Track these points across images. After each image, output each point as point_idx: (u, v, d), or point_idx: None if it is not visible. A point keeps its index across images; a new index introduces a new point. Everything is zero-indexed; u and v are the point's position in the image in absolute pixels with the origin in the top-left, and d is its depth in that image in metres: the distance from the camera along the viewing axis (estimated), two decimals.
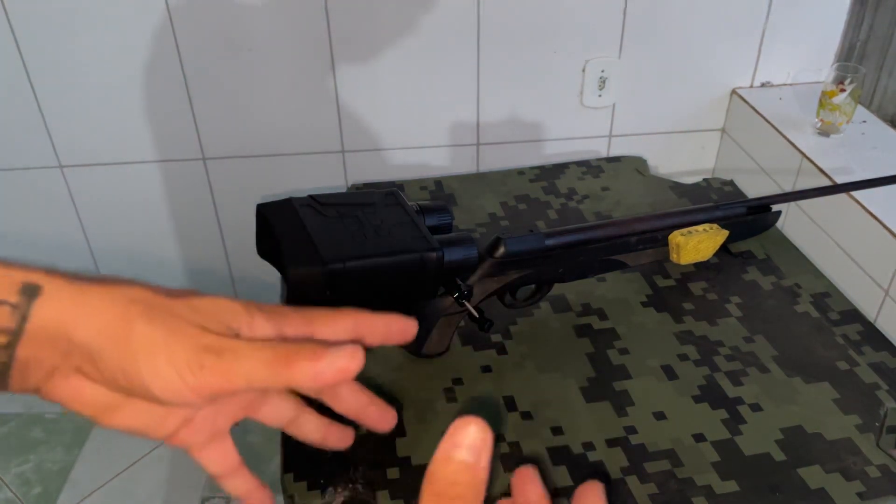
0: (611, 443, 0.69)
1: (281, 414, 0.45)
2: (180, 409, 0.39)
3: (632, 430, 0.71)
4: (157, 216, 1.34)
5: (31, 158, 1.26)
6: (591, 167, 1.17)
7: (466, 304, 0.69)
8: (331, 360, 0.35)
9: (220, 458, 0.44)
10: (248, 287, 1.43)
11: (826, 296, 0.88)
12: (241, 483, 0.44)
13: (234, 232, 1.38)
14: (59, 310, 0.34)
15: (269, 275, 0.71)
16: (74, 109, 1.22)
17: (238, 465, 0.44)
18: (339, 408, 0.45)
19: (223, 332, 0.36)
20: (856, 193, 0.91)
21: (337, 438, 0.48)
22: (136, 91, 1.20)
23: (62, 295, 0.35)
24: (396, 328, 0.42)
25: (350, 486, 0.65)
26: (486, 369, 0.77)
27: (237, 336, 0.37)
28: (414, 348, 0.71)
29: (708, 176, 1.20)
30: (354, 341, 0.40)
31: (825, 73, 1.17)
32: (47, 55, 1.17)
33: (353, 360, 0.36)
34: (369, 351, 0.69)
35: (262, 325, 0.38)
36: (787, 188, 1.09)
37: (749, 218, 0.89)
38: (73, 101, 1.21)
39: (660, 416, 0.72)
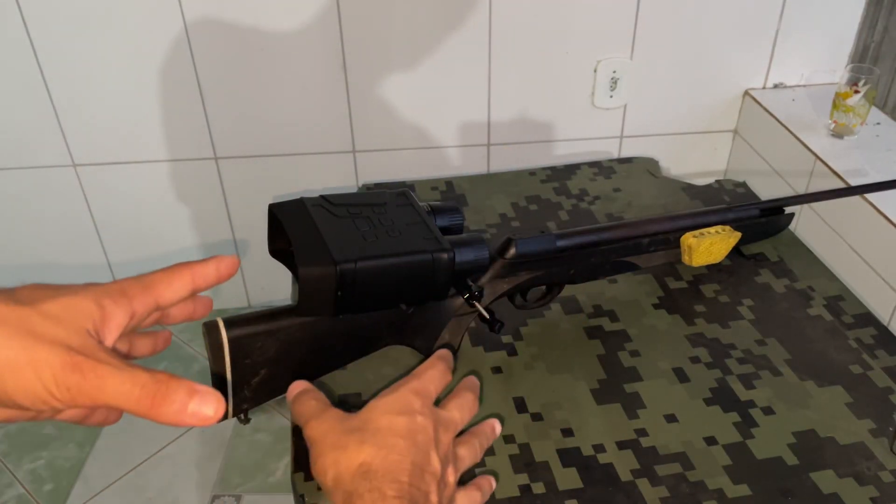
0: (621, 445, 0.69)
1: None
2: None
3: (643, 432, 0.70)
4: (169, 215, 1.35)
5: (45, 157, 1.27)
6: (602, 168, 1.17)
7: (477, 304, 0.69)
8: (195, 412, 0.36)
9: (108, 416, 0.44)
10: (258, 287, 1.43)
11: (839, 299, 0.87)
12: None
13: (245, 231, 1.39)
14: None
15: (281, 274, 0.71)
16: (88, 109, 1.23)
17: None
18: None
19: (83, 343, 0.36)
20: (870, 196, 0.91)
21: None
22: (149, 90, 1.21)
23: None
24: (224, 267, 0.45)
25: None
26: (497, 370, 0.77)
27: (98, 343, 0.37)
28: (425, 350, 0.71)
29: (720, 177, 1.19)
30: (195, 291, 0.44)
31: (839, 74, 1.16)
32: (61, 55, 1.17)
33: (216, 413, 0.36)
34: (380, 352, 0.69)
35: (116, 315, 0.39)
36: (801, 190, 1.08)
37: (762, 220, 0.88)
38: (86, 101, 1.22)
39: (671, 418, 0.72)
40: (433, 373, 0.57)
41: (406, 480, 0.47)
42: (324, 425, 0.51)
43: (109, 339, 0.39)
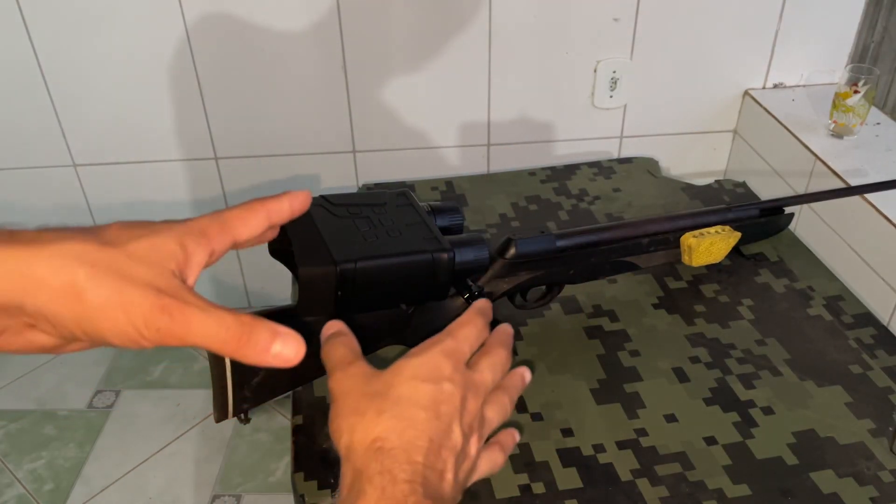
0: (621, 445, 0.69)
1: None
2: None
3: (642, 432, 0.70)
4: (169, 215, 1.34)
5: (45, 157, 1.27)
6: (602, 168, 1.17)
7: None
8: (278, 353, 0.37)
9: None
10: (259, 286, 1.43)
11: (839, 299, 0.87)
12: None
13: None
14: (4, 282, 0.35)
15: (281, 274, 0.71)
16: (88, 109, 1.22)
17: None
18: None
19: (170, 284, 0.37)
20: (869, 196, 0.91)
21: None
22: (149, 91, 1.21)
23: (6, 267, 0.35)
24: (297, 202, 0.46)
25: None
26: None
27: (183, 283, 0.38)
28: None
29: (720, 177, 1.19)
30: (269, 227, 0.45)
31: (839, 74, 1.16)
32: (61, 56, 1.17)
33: (297, 355, 0.37)
34: (380, 351, 0.69)
35: (197, 254, 0.40)
36: (800, 190, 1.08)
37: (761, 220, 0.88)
38: (86, 101, 1.22)
39: (671, 418, 0.72)
40: (469, 331, 0.52)
41: (420, 461, 0.45)
42: (348, 382, 0.48)
43: (191, 277, 0.40)
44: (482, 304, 0.55)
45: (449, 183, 1.13)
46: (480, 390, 0.50)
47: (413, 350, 0.50)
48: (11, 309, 0.35)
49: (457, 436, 0.47)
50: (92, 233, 0.37)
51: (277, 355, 0.37)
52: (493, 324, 0.67)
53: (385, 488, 0.42)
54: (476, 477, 0.51)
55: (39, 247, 0.35)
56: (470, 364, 0.51)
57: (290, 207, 0.46)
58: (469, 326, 0.52)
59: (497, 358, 0.53)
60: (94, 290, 0.35)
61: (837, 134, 1.08)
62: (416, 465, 0.44)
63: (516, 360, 0.78)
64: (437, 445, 0.46)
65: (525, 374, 0.55)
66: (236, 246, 0.44)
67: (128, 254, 0.37)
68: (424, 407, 0.46)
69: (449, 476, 0.46)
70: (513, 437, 0.55)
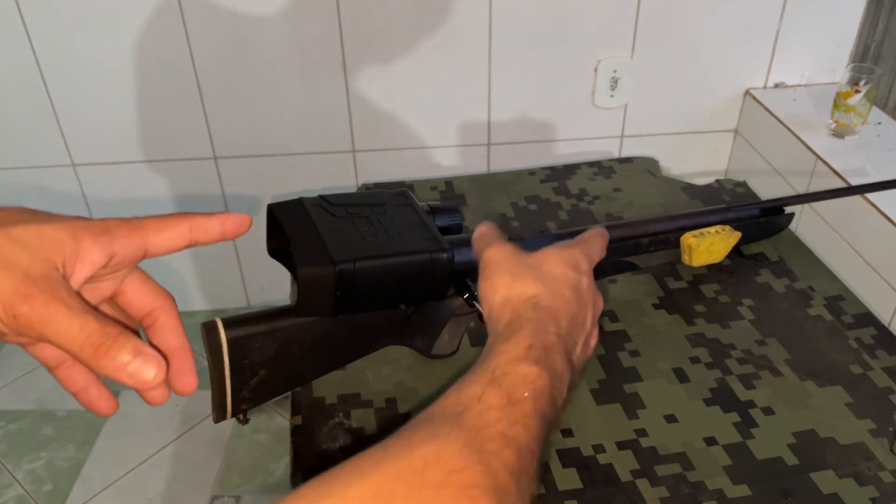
0: (621, 445, 0.69)
1: None
2: None
3: (642, 432, 0.70)
4: None
5: (44, 157, 1.27)
6: (602, 168, 1.16)
7: (477, 304, 0.68)
8: (134, 372, 0.35)
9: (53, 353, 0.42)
10: (258, 286, 1.43)
11: (840, 299, 0.87)
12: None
13: None
14: None
15: (280, 274, 0.71)
16: (87, 108, 1.22)
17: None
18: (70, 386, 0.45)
19: (44, 274, 0.36)
20: (870, 195, 0.91)
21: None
22: (148, 90, 1.21)
23: None
24: (231, 225, 0.43)
25: None
26: None
27: (61, 278, 0.36)
28: (424, 349, 0.71)
29: (720, 177, 1.19)
30: (191, 244, 0.42)
31: (840, 73, 1.16)
32: (60, 55, 1.17)
33: (154, 379, 0.36)
34: (380, 352, 0.68)
35: (91, 252, 0.38)
36: (801, 190, 1.08)
37: (762, 220, 0.88)
38: (85, 101, 1.22)
39: (671, 418, 0.72)
40: (599, 243, 0.58)
41: (565, 325, 0.49)
42: (503, 252, 0.53)
43: (79, 275, 0.38)
44: (602, 230, 0.61)
45: (448, 183, 1.13)
46: (599, 298, 0.56)
47: (554, 245, 0.55)
48: None
49: (588, 323, 0.53)
50: None
51: (133, 374, 0.35)
52: None
53: (538, 332, 0.46)
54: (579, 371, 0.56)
55: None
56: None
57: (221, 229, 0.43)
58: (599, 239, 0.59)
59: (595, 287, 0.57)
60: None
61: (838, 133, 1.07)
62: (562, 327, 0.49)
63: None
64: (577, 322, 0.51)
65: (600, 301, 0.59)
66: (147, 255, 0.42)
67: (9, 236, 0.36)
68: (570, 288, 0.52)
69: (578, 351, 0.51)
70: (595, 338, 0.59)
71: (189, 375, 0.45)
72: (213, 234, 0.43)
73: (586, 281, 0.53)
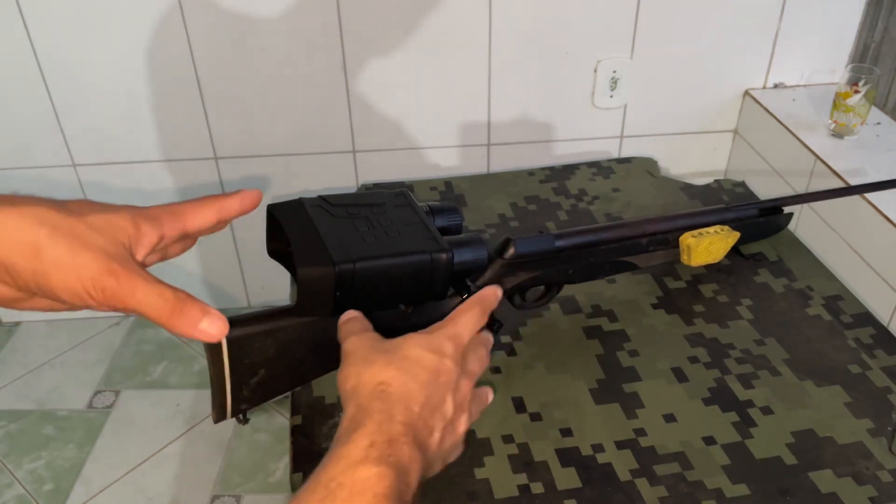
0: (620, 445, 0.69)
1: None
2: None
3: (641, 432, 0.70)
4: None
5: (45, 157, 1.27)
6: (601, 168, 1.17)
7: None
8: (204, 329, 0.42)
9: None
10: (258, 286, 1.44)
11: (838, 298, 0.87)
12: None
13: (244, 231, 1.39)
14: None
15: (280, 274, 0.71)
16: (88, 109, 1.23)
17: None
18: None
19: (119, 254, 0.42)
20: (869, 195, 0.91)
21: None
22: (149, 91, 1.21)
23: None
24: (248, 200, 0.50)
25: None
26: (496, 370, 0.77)
27: (132, 255, 0.43)
28: None
29: (720, 177, 1.19)
30: (219, 222, 0.49)
31: (839, 74, 1.16)
32: (61, 56, 1.18)
33: (219, 334, 0.43)
34: None
35: (148, 234, 0.45)
36: (800, 190, 1.08)
37: (761, 219, 0.88)
38: (86, 101, 1.22)
39: (670, 418, 0.72)
40: (469, 318, 0.57)
41: (416, 411, 0.49)
42: (360, 342, 0.54)
43: (140, 253, 0.44)
44: (486, 294, 0.60)
45: (448, 183, 1.13)
46: (471, 378, 0.55)
47: (419, 331, 0.55)
48: None
49: (449, 406, 0.52)
50: (60, 203, 0.43)
51: (203, 331, 0.42)
52: (490, 326, 0.68)
53: (382, 424, 0.47)
54: (452, 458, 0.55)
55: (10, 206, 0.42)
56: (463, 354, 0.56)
57: (240, 205, 0.50)
58: (469, 314, 0.57)
59: (480, 354, 0.57)
60: (51, 249, 0.40)
61: (838, 134, 1.07)
62: (412, 413, 0.48)
63: (516, 360, 0.78)
64: (432, 406, 0.50)
65: (489, 393, 0.59)
66: (186, 234, 0.48)
67: (86, 223, 0.42)
68: (427, 369, 0.51)
69: (437, 437, 0.51)
70: (487, 397, 0.59)
71: (243, 193, 0.51)
72: (233, 211, 0.50)
73: (449, 364, 0.52)
